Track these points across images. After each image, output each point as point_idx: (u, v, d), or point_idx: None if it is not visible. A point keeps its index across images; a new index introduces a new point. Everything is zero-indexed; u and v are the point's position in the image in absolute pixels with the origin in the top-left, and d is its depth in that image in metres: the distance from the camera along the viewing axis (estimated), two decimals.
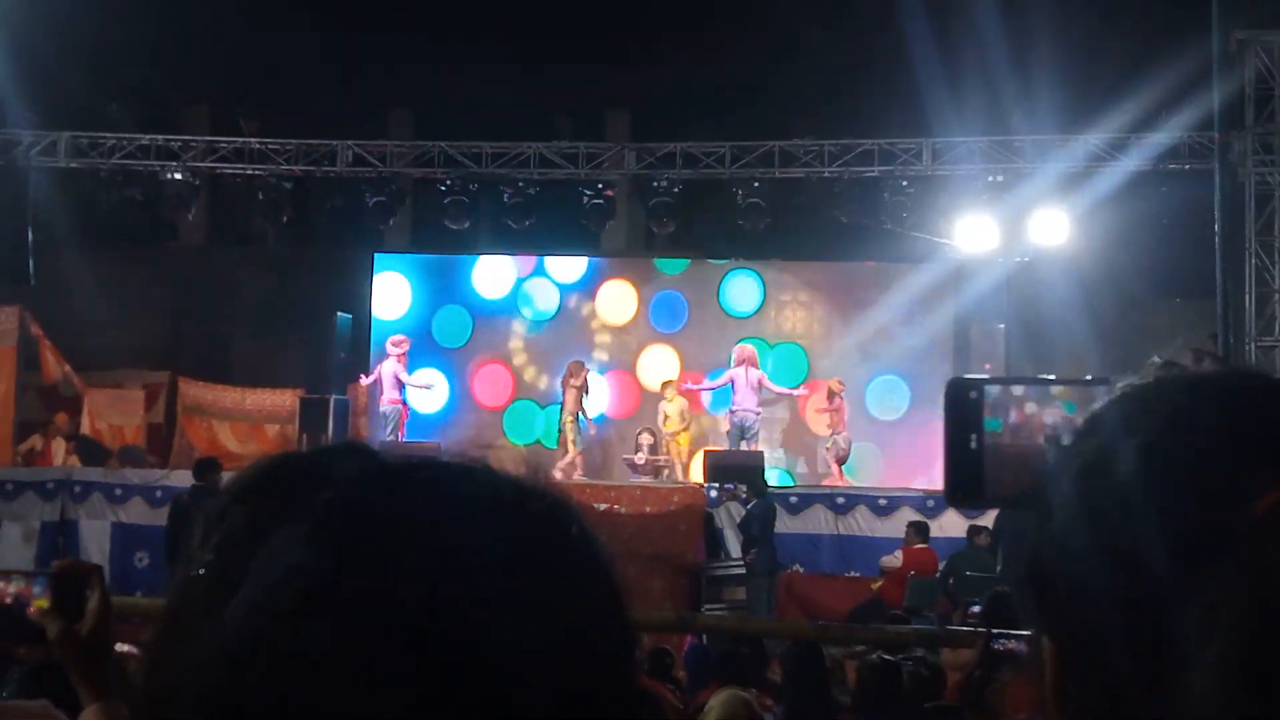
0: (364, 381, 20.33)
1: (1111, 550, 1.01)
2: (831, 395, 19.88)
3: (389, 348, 19.97)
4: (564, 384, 19.87)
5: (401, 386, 19.79)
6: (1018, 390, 1.33)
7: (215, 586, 1.47)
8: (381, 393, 19.74)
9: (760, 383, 19.52)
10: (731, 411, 19.44)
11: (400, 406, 19.70)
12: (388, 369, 19.73)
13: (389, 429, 19.46)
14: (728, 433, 19.59)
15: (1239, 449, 0.99)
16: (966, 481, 1.30)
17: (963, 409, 1.30)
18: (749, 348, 20.00)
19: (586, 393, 19.87)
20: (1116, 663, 1.00)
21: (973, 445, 1.29)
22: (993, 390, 1.32)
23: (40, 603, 1.85)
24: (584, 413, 19.85)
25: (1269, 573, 0.90)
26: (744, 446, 19.03)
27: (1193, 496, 0.98)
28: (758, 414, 19.41)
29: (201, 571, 1.51)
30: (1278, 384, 1.07)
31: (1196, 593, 0.93)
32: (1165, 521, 0.98)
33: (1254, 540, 0.92)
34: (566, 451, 19.29)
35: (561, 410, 19.79)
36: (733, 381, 19.55)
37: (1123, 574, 1.00)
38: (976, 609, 10.20)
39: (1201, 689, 0.91)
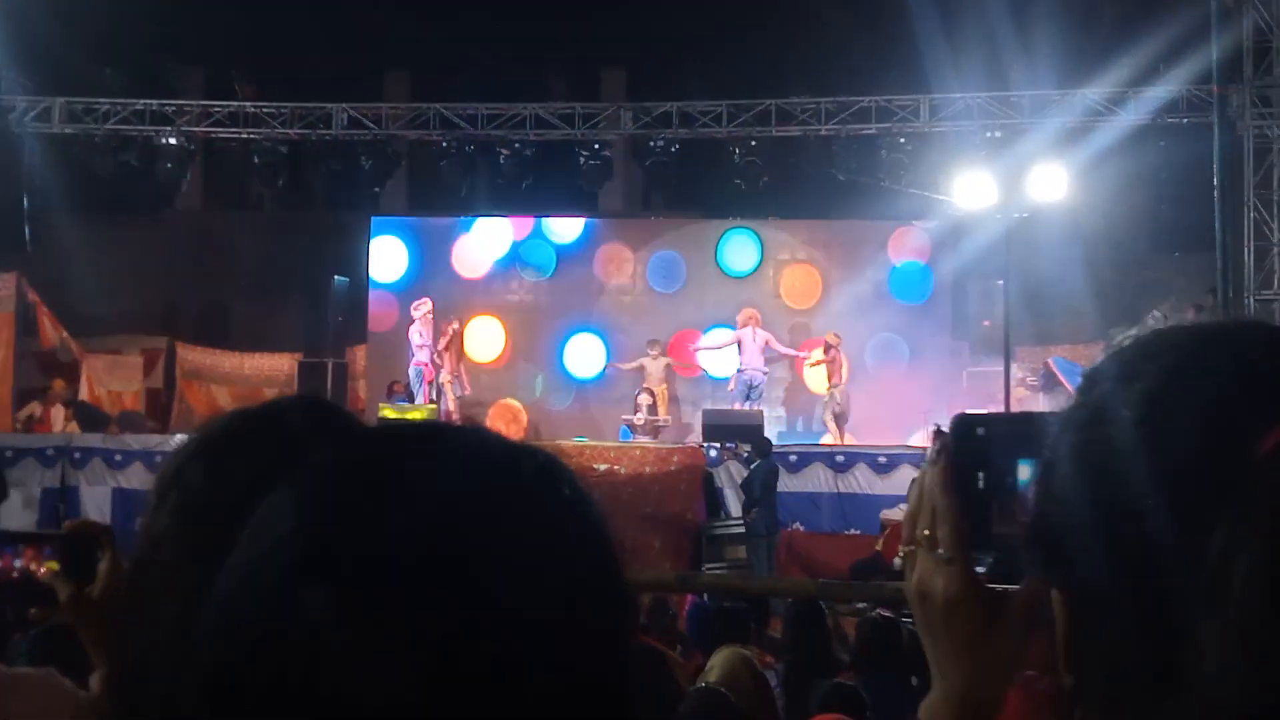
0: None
1: (1117, 499, 1.01)
2: (828, 348, 19.93)
3: (411, 312, 20.03)
4: (443, 345, 20.05)
5: (424, 348, 19.89)
6: (1027, 426, 1.28)
7: (179, 547, 1.46)
8: (412, 355, 19.84)
9: (767, 344, 19.64)
10: (740, 371, 19.57)
11: (424, 366, 19.77)
12: (412, 332, 19.83)
13: (420, 389, 19.60)
14: (732, 391, 19.67)
15: (1242, 393, 0.99)
16: (974, 523, 1.26)
17: (969, 447, 1.26)
18: (753, 310, 20.07)
19: (456, 352, 20.00)
20: (1126, 614, 1.00)
21: (979, 485, 1.26)
22: (1000, 427, 1.28)
23: (51, 565, 1.85)
24: (460, 374, 19.92)
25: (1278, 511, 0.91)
26: (749, 406, 19.08)
27: (1197, 441, 0.98)
28: (765, 373, 19.61)
29: (158, 534, 1.50)
30: (1275, 328, 1.07)
31: (1205, 538, 0.93)
32: (1171, 467, 0.98)
33: (1260, 480, 0.93)
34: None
35: (441, 371, 19.94)
36: (739, 342, 19.66)
37: (1129, 523, 0.99)
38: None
39: (1228, 627, 0.91)
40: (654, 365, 20.31)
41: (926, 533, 1.28)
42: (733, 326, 20.25)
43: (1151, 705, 0.99)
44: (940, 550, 1.26)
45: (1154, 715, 1.00)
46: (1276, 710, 0.90)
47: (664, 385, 20.32)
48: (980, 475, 1.25)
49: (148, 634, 1.46)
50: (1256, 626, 0.90)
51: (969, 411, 1.29)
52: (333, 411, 1.60)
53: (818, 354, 20.28)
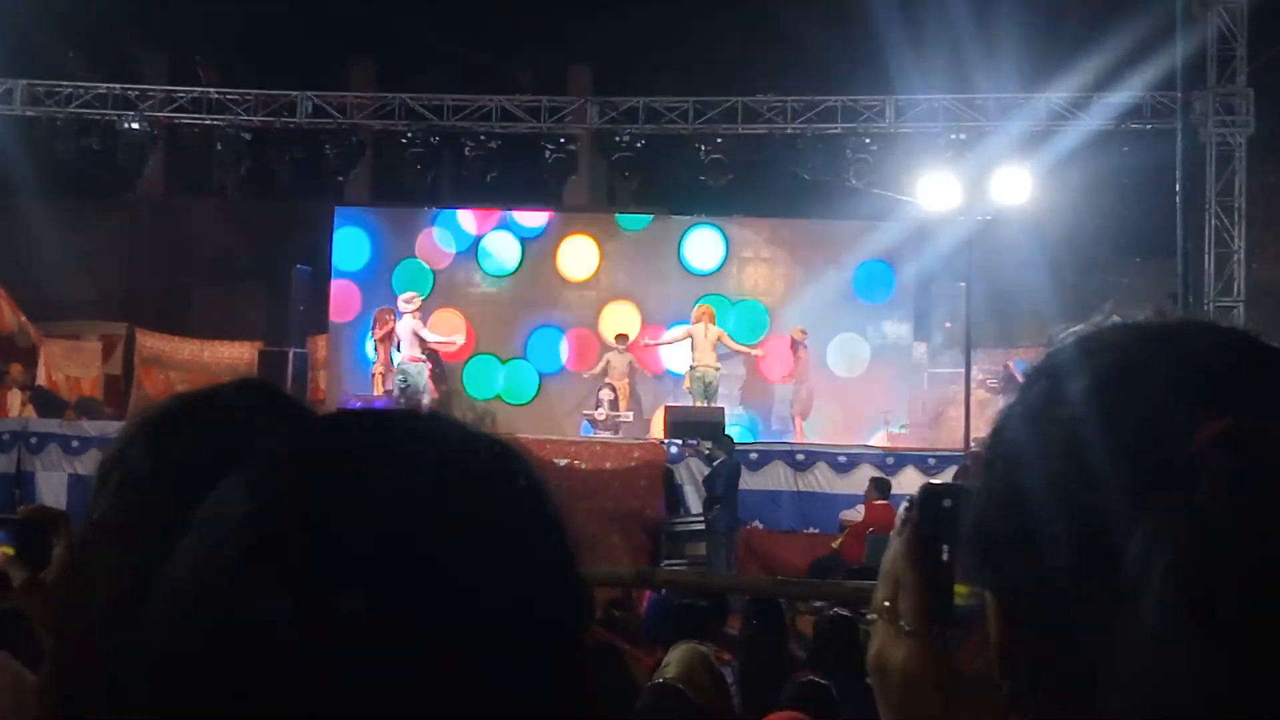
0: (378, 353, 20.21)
1: (1058, 494, 1.01)
2: (795, 345, 20.02)
3: (401, 305, 19.77)
4: (373, 335, 19.98)
5: (423, 343, 19.62)
6: None
7: (121, 528, 1.46)
8: (399, 351, 19.60)
9: (719, 339, 19.65)
10: (692, 368, 19.57)
11: (424, 363, 19.51)
12: (405, 327, 19.54)
13: (412, 387, 19.16)
14: (689, 389, 19.66)
15: (1180, 388, 0.99)
16: (938, 597, 1.25)
17: (934, 519, 1.24)
18: (707, 306, 20.10)
19: (396, 345, 19.83)
20: (1065, 610, 1.00)
21: (944, 558, 1.25)
22: (967, 499, 1.23)
23: (5, 549, 1.84)
24: (403, 363, 19.76)
25: (1205, 505, 0.90)
26: (706, 403, 19.11)
27: (1137, 436, 0.98)
28: (718, 369, 19.58)
29: (100, 516, 1.50)
30: (1216, 327, 1.07)
31: (1130, 538, 0.93)
32: (1110, 462, 0.98)
33: (1190, 474, 0.92)
34: None
35: (375, 363, 19.86)
36: (691, 338, 19.67)
37: (1070, 517, 0.99)
38: None
39: (1145, 626, 0.90)
40: (619, 360, 20.30)
41: (888, 604, 1.26)
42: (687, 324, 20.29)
43: (1074, 708, 0.99)
44: (902, 622, 1.24)
45: (1078, 717, 0.99)
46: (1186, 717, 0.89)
47: (626, 381, 20.32)
48: (945, 548, 1.24)
49: (91, 615, 1.45)
50: (1169, 630, 0.89)
51: (934, 482, 1.28)
52: (276, 394, 1.59)
53: (785, 359, 20.35)
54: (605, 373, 20.25)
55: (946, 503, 1.24)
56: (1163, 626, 0.89)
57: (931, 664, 1.23)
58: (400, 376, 19.28)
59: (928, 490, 1.26)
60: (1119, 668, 0.93)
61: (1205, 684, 0.88)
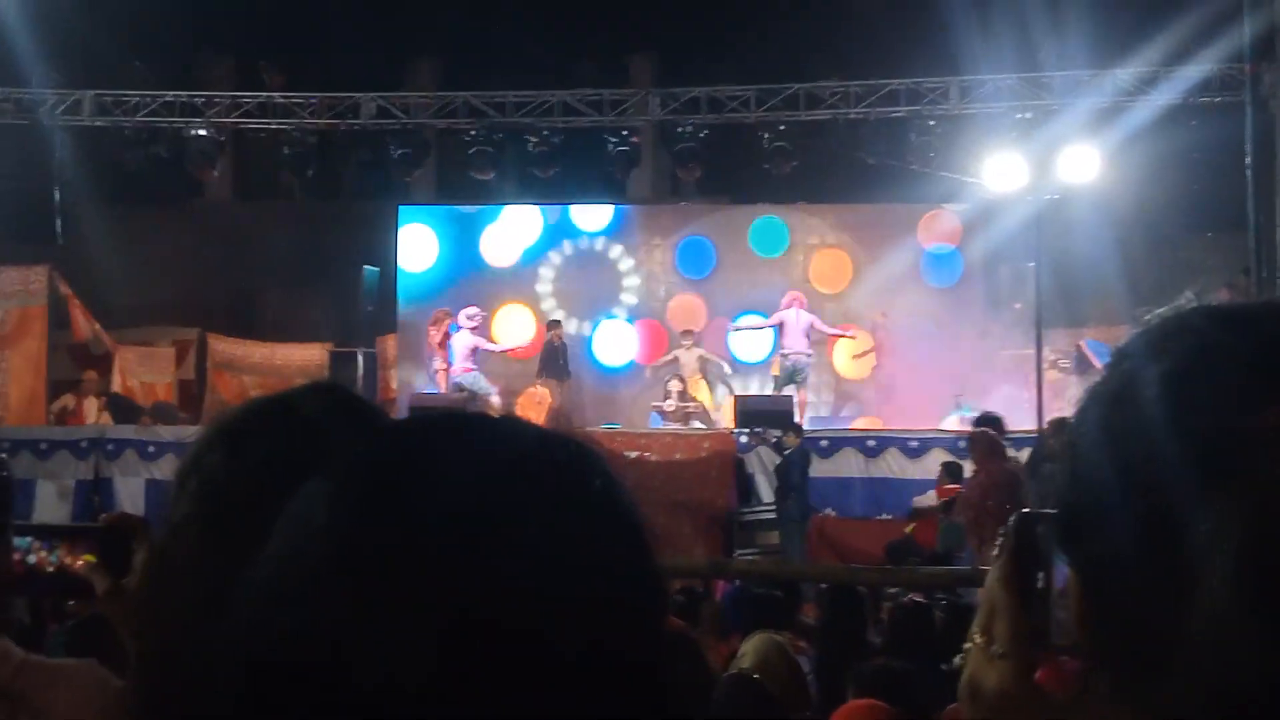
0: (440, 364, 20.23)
1: (1135, 474, 1.02)
2: (875, 327, 20.03)
3: (462, 320, 19.65)
4: (428, 334, 20.03)
5: (475, 355, 19.63)
6: None
7: (200, 532, 1.48)
8: (452, 364, 19.62)
9: (812, 325, 19.47)
10: (783, 355, 19.44)
11: (477, 372, 19.47)
12: (462, 342, 19.49)
13: (471, 393, 19.16)
14: (775, 375, 19.55)
15: (1254, 372, 1.00)
16: (1031, 621, 1.25)
17: (1029, 545, 1.24)
18: (798, 293, 19.95)
19: (448, 343, 19.82)
20: (1137, 589, 1.01)
21: (1039, 584, 1.26)
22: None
23: (88, 557, 1.86)
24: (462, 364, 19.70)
25: (1267, 488, 0.91)
26: (792, 390, 18.89)
27: (1212, 421, 0.98)
28: (809, 356, 19.41)
29: (179, 521, 1.52)
30: None
31: (1209, 513, 0.94)
32: (1186, 445, 0.99)
33: (1256, 455, 0.93)
34: None
35: (436, 359, 19.90)
36: (782, 324, 19.50)
37: (1145, 498, 1.01)
38: None
39: (1210, 607, 0.91)
40: (688, 356, 20.27)
41: (981, 630, 1.26)
42: (762, 313, 20.19)
43: (1147, 686, 1.00)
44: (995, 646, 1.25)
45: (1149, 698, 1.00)
46: (1249, 701, 0.90)
47: (697, 375, 20.28)
48: (1040, 576, 1.25)
49: (173, 620, 1.47)
50: (1233, 613, 0.90)
51: (1028, 510, 1.28)
52: (349, 397, 1.61)
53: (865, 344, 20.34)
54: (674, 367, 20.21)
55: (1041, 530, 1.25)
56: (1226, 609, 0.90)
57: (1024, 687, 1.23)
58: (457, 388, 19.33)
59: (1022, 517, 1.26)
60: (1187, 648, 0.94)
61: (1268, 666, 0.89)
